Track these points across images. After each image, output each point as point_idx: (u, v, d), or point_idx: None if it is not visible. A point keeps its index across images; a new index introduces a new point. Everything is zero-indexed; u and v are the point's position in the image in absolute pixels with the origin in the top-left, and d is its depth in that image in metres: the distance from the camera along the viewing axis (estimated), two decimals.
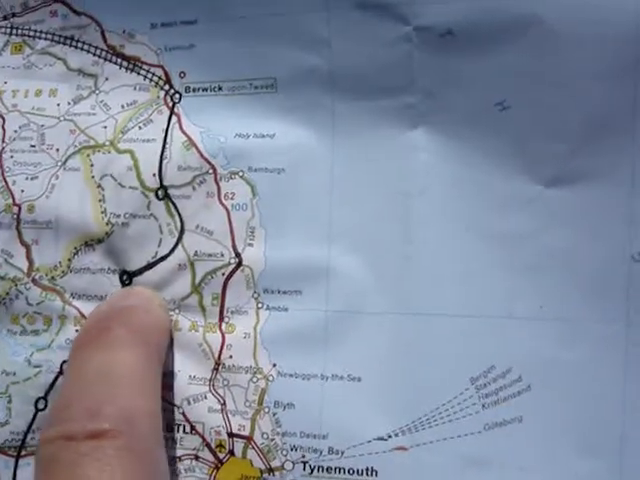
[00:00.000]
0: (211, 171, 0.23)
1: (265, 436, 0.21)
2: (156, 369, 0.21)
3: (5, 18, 0.25)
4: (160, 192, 0.23)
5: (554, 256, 0.21)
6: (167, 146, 0.23)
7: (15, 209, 0.24)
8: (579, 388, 0.21)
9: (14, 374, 0.23)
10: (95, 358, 0.20)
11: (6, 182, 0.24)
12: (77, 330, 0.23)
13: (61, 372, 0.23)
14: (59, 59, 0.25)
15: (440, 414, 0.21)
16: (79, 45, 0.25)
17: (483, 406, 0.21)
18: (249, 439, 0.21)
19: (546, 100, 0.21)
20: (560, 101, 0.21)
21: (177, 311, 0.23)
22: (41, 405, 0.23)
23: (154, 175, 0.23)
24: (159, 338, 0.22)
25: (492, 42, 0.21)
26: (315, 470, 0.21)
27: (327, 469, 0.21)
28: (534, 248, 0.21)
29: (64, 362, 0.23)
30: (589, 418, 0.21)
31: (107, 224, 0.23)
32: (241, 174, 0.22)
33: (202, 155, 0.23)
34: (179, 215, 0.23)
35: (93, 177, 0.23)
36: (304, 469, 0.21)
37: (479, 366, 0.21)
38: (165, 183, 0.23)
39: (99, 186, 0.23)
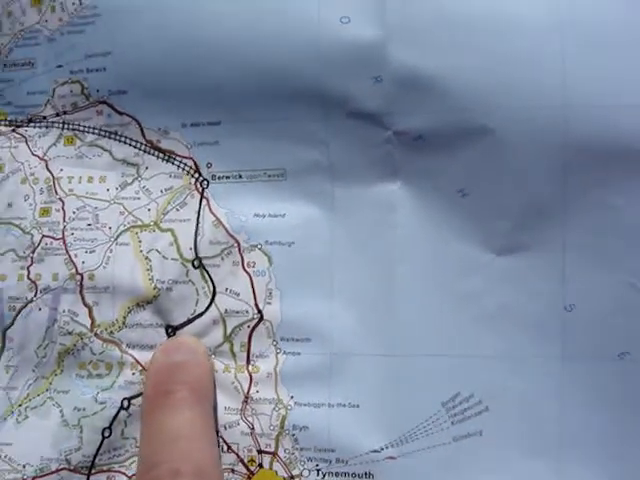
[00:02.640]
0: (235, 245, 0.30)
1: (287, 451, 0.29)
2: (212, 422, 0.29)
3: (57, 115, 0.32)
4: (196, 262, 0.30)
5: (504, 308, 0.29)
6: (200, 225, 0.30)
7: (78, 277, 0.31)
8: (525, 408, 0.29)
9: (84, 409, 0.31)
10: (166, 421, 0.27)
11: (69, 255, 0.31)
12: (133, 373, 0.31)
13: (122, 407, 0.30)
14: (105, 150, 0.32)
15: (419, 430, 0.29)
16: (122, 139, 0.31)
17: (452, 423, 0.29)
18: (274, 454, 0.29)
19: (495, 189, 0.29)
20: (506, 190, 0.28)
21: (213, 356, 0.29)
22: (107, 433, 0.30)
23: (190, 249, 0.30)
24: (210, 391, 0.29)
25: (454, 145, 0.29)
26: (327, 475, 0.29)
27: (335, 474, 0.29)
28: (488, 302, 0.29)
29: (124, 399, 0.30)
30: (533, 429, 0.28)
31: (154, 289, 0.30)
32: (259, 247, 0.30)
33: (228, 232, 0.30)
34: (211, 280, 0.30)
35: (141, 251, 0.30)
36: (317, 475, 0.29)
37: (448, 393, 0.29)
38: (199, 255, 0.30)
39: (146, 258, 0.30)
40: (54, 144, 0.32)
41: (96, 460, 0.30)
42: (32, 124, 0.33)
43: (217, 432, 0.29)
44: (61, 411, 0.31)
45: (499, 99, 0.28)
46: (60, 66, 0.32)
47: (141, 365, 0.30)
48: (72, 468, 0.30)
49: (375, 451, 0.29)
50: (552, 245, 0.28)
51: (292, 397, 0.29)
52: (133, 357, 0.30)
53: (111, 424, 0.30)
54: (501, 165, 0.28)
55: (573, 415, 0.28)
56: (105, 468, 0.30)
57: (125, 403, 0.30)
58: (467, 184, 0.29)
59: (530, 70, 0.28)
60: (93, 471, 0.30)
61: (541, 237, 0.28)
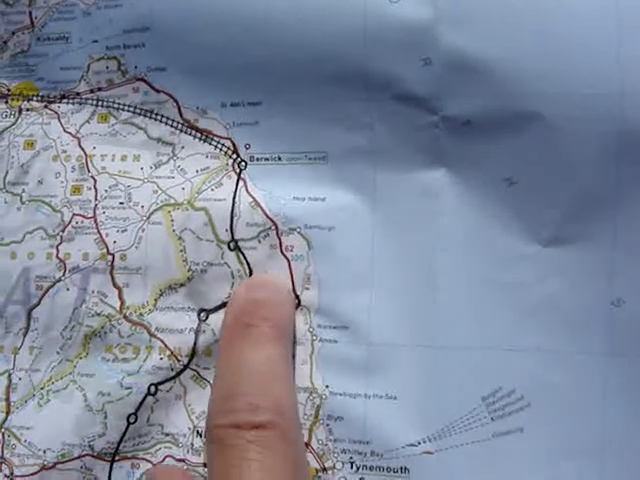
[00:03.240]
0: (273, 227, 0.29)
1: (320, 442, 0.28)
2: (291, 361, 0.28)
3: (92, 91, 0.31)
4: (232, 244, 0.29)
5: (548, 301, 0.28)
6: (236, 205, 0.30)
7: (109, 257, 0.30)
8: (568, 405, 0.28)
9: (109, 394, 0.30)
10: (247, 355, 0.27)
11: (100, 234, 0.30)
12: (161, 358, 0.30)
13: (149, 393, 0.30)
14: (140, 129, 0.31)
15: (458, 425, 0.28)
16: (158, 118, 0.31)
17: (492, 419, 0.28)
18: (307, 444, 0.28)
19: (544, 178, 0.28)
20: (556, 179, 0.28)
21: None
22: (132, 419, 0.30)
23: (226, 230, 0.29)
24: (291, 331, 0.29)
25: (502, 131, 0.28)
26: (360, 469, 0.28)
27: (370, 467, 0.28)
28: (533, 294, 0.28)
29: (151, 384, 0.30)
30: (576, 428, 0.28)
31: (188, 271, 0.29)
32: (299, 230, 0.29)
33: (266, 214, 0.29)
34: (247, 263, 0.30)
35: (174, 231, 0.30)
36: (351, 468, 0.28)
37: (489, 387, 0.28)
38: (235, 237, 0.29)
39: (180, 238, 0.29)
40: (87, 121, 0.32)
41: (120, 447, 0.30)
42: (65, 100, 0.32)
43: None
44: (85, 395, 0.30)
45: (551, 84, 0.27)
46: (96, 41, 0.32)
47: (169, 350, 0.30)
48: (95, 454, 0.30)
49: (412, 445, 0.28)
50: (601, 238, 0.28)
51: (327, 386, 0.29)
52: (162, 341, 0.30)
53: (137, 410, 0.30)
54: (551, 153, 0.28)
55: (617, 414, 0.27)
56: (130, 455, 0.30)
57: (152, 389, 0.29)
58: (514, 172, 0.28)
59: (584, 55, 0.27)
60: (117, 458, 0.30)
61: (590, 229, 0.28)
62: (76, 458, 0.29)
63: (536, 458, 0.28)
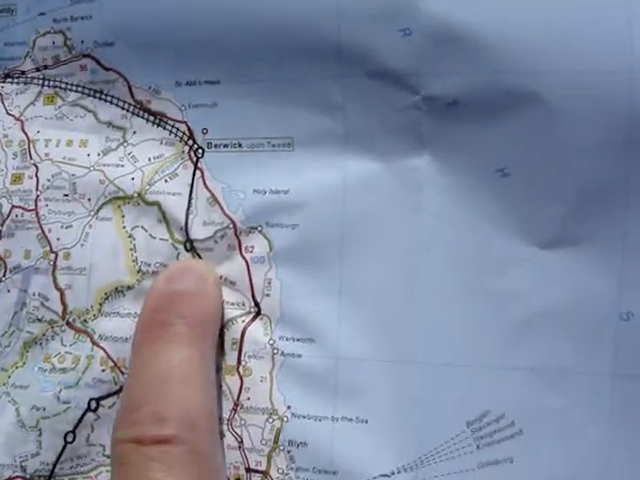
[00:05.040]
0: (231, 226, 0.26)
1: (280, 471, 0.25)
2: (212, 364, 0.25)
3: (38, 70, 0.28)
4: (187, 244, 0.26)
5: (546, 313, 0.24)
6: (193, 201, 0.26)
7: (52, 256, 0.27)
8: (567, 434, 0.24)
9: (44, 409, 0.27)
10: (157, 357, 0.24)
11: (43, 230, 0.27)
12: (103, 370, 0.26)
13: (89, 408, 0.26)
14: (89, 111, 0.28)
15: (439, 453, 0.24)
16: (108, 99, 0.27)
17: (477, 447, 0.24)
18: (265, 474, 0.25)
19: (543, 169, 0.24)
20: (556, 171, 0.24)
21: None
22: (69, 438, 0.26)
23: (181, 228, 0.26)
24: (214, 328, 0.25)
25: (494, 113, 0.24)
26: None
27: None
28: (528, 305, 0.24)
29: (92, 399, 0.26)
30: (575, 461, 0.24)
31: (138, 272, 0.26)
32: (260, 229, 0.25)
33: (224, 211, 0.26)
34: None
35: (124, 227, 0.26)
36: None
37: (475, 411, 0.24)
38: (191, 236, 0.25)
39: (130, 236, 0.26)
40: (32, 103, 0.29)
41: (56, 469, 0.26)
42: (9, 80, 0.29)
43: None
44: (17, 410, 0.27)
45: (550, 60, 0.23)
46: (43, 14, 0.28)
47: (113, 361, 0.26)
48: (28, 477, 0.26)
49: (385, 475, 0.24)
50: (609, 239, 0.24)
51: (289, 407, 0.25)
52: (104, 351, 0.26)
53: (75, 428, 0.26)
54: (550, 140, 0.23)
55: (624, 445, 0.23)
56: (67, 479, 0.26)
57: (93, 404, 0.26)
58: (509, 162, 0.24)
59: (590, 25, 0.23)
60: None
61: (596, 229, 0.24)
62: None
63: None
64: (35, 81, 0.28)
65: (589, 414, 0.24)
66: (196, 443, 0.22)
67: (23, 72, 0.29)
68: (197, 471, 0.22)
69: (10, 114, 0.29)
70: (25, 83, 0.29)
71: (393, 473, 0.24)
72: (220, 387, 0.25)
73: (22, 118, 0.28)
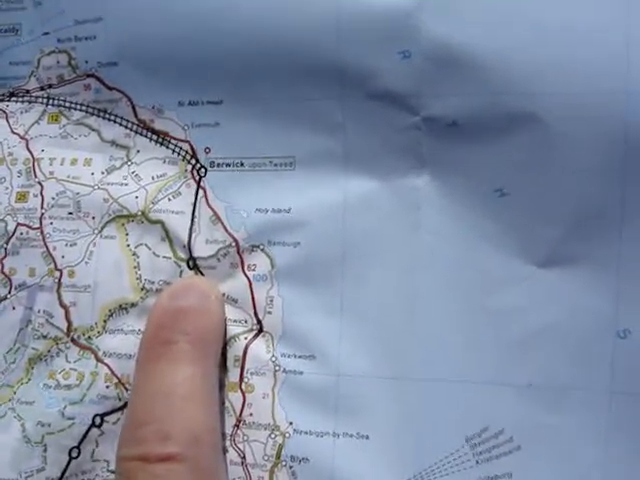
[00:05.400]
0: (234, 244, 0.26)
1: None
2: (215, 381, 0.25)
3: (42, 89, 0.28)
4: (190, 262, 0.26)
5: (544, 331, 0.24)
6: (196, 220, 0.26)
7: (57, 274, 0.27)
8: (564, 449, 0.24)
9: (49, 425, 0.27)
10: (161, 375, 0.24)
11: (47, 248, 0.27)
12: (107, 386, 0.27)
13: (93, 424, 0.26)
14: (93, 130, 0.28)
15: (438, 468, 0.24)
16: (111, 118, 0.28)
17: (477, 462, 0.24)
18: None
19: (541, 190, 0.24)
20: (554, 191, 0.24)
21: None
22: (74, 454, 0.27)
23: (184, 247, 0.26)
24: (216, 345, 0.25)
25: (493, 134, 0.24)
26: None
27: None
28: (526, 322, 0.24)
29: (96, 415, 0.27)
30: (572, 476, 0.24)
31: (142, 289, 0.26)
32: (262, 247, 0.26)
33: (227, 230, 0.26)
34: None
35: (128, 246, 0.27)
36: None
37: (474, 427, 0.25)
38: (194, 254, 0.26)
39: (134, 254, 0.26)
40: (37, 122, 0.29)
41: None
42: (14, 98, 0.29)
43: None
44: (23, 425, 0.27)
45: (548, 82, 0.23)
46: (47, 33, 0.29)
47: (117, 377, 0.26)
48: None
49: None
50: (605, 258, 0.24)
51: (291, 423, 0.25)
52: (109, 367, 0.27)
53: (80, 443, 0.26)
54: (547, 161, 0.24)
55: (619, 462, 0.23)
56: None
57: (97, 420, 0.26)
58: (507, 182, 0.24)
59: (587, 48, 0.23)
60: None
61: (592, 249, 0.24)
62: None
63: None
64: (40, 100, 0.29)
65: (586, 431, 0.24)
66: (200, 460, 0.23)
67: (27, 91, 0.29)
68: None
69: (15, 133, 0.29)
70: (29, 102, 0.29)
71: None
72: (223, 403, 0.26)
73: (27, 137, 0.29)
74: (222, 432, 0.25)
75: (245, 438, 0.25)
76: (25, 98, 0.29)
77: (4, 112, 0.29)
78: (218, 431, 0.25)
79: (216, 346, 0.25)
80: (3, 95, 0.29)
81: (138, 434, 0.23)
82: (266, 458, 0.25)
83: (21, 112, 0.29)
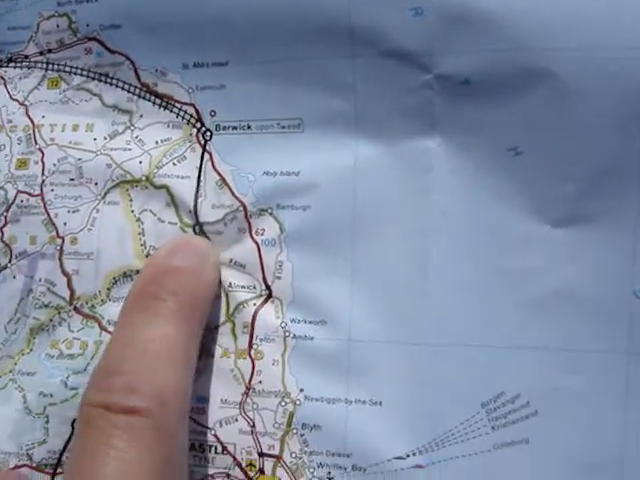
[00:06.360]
0: (241, 209, 0.25)
1: (294, 455, 0.24)
2: (195, 344, 0.24)
3: (41, 54, 0.28)
4: (197, 228, 0.25)
5: (559, 292, 0.24)
6: (201, 184, 0.25)
7: (59, 241, 0.27)
8: (583, 413, 0.24)
9: (51, 396, 0.26)
10: (140, 328, 0.23)
11: (48, 215, 0.26)
12: None
13: None
14: (95, 95, 0.27)
15: (453, 435, 0.24)
16: (114, 82, 0.27)
17: (493, 428, 0.24)
18: (278, 458, 0.24)
19: (556, 147, 0.24)
20: (569, 148, 0.23)
21: (211, 338, 0.24)
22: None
23: (190, 212, 0.25)
24: (204, 311, 0.25)
25: (506, 92, 0.24)
26: None
27: None
28: (541, 284, 0.24)
29: None
30: (591, 441, 0.24)
31: (146, 256, 0.26)
32: (270, 211, 0.25)
33: (234, 194, 0.25)
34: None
35: (132, 211, 0.26)
36: None
37: (489, 392, 0.24)
38: (200, 220, 0.25)
39: (138, 220, 0.26)
40: (36, 87, 0.28)
41: (63, 457, 0.26)
42: (12, 64, 0.28)
43: (206, 428, 0.25)
44: (24, 396, 0.26)
45: (564, 37, 0.23)
46: None
47: None
48: (34, 465, 0.26)
49: (399, 458, 0.24)
50: (622, 217, 0.23)
51: (302, 390, 0.25)
52: None
53: None
54: (563, 118, 0.23)
55: (639, 422, 0.23)
56: None
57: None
58: (521, 140, 0.24)
59: (604, 3, 0.22)
60: (59, 470, 0.26)
61: (610, 207, 0.23)
62: (12, 469, 0.26)
63: (543, 474, 0.24)
64: (39, 65, 0.28)
65: (604, 393, 0.23)
66: (163, 420, 0.22)
67: (26, 56, 0.28)
68: (159, 447, 0.22)
69: (14, 99, 0.28)
70: (28, 67, 0.28)
71: (408, 455, 0.24)
72: (231, 371, 0.25)
73: (26, 103, 0.28)
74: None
75: (255, 406, 0.25)
76: (24, 63, 0.28)
77: (2, 78, 0.28)
78: (188, 396, 0.24)
79: (203, 312, 0.25)
80: (1, 61, 0.28)
81: (106, 383, 0.22)
82: (276, 426, 0.24)
83: (20, 78, 0.28)
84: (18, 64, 0.28)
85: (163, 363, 0.23)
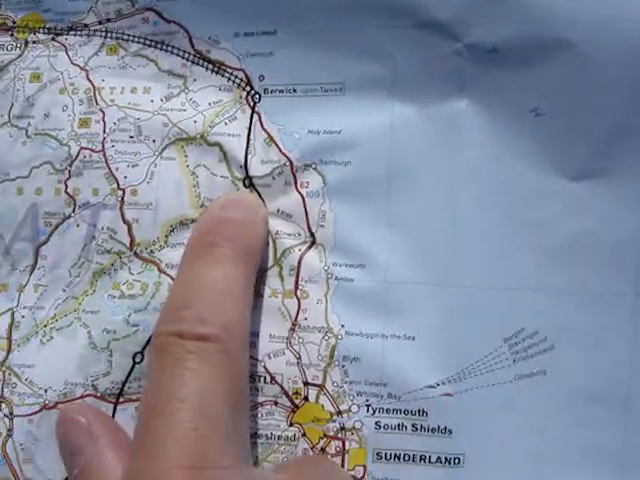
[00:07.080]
0: (288, 164, 0.27)
1: (335, 384, 0.27)
2: (251, 286, 0.26)
3: (100, 23, 0.30)
4: (246, 181, 0.27)
5: (576, 239, 0.27)
6: (251, 142, 0.28)
7: (119, 193, 0.29)
8: (594, 349, 0.26)
9: (114, 332, 0.28)
10: (204, 272, 0.25)
11: (110, 169, 0.29)
12: None
13: None
14: (151, 61, 0.29)
15: (479, 366, 0.26)
16: (169, 49, 0.29)
17: (514, 361, 0.26)
18: (321, 387, 0.27)
19: (575, 110, 0.26)
20: (586, 111, 0.26)
21: (260, 280, 0.27)
22: (138, 359, 0.28)
23: (241, 167, 0.28)
24: (257, 256, 0.27)
25: (530, 59, 0.26)
26: (377, 412, 0.26)
27: (387, 410, 0.27)
28: (558, 232, 0.27)
29: None
30: (601, 372, 0.26)
31: (201, 206, 0.28)
32: (314, 166, 0.27)
33: (281, 150, 0.28)
34: (262, 201, 0.28)
35: (188, 166, 0.28)
36: (367, 411, 0.27)
37: (511, 328, 0.27)
38: (250, 174, 0.27)
39: (193, 174, 0.28)
40: (96, 54, 0.30)
41: (125, 387, 0.28)
42: (73, 32, 0.30)
43: (257, 360, 0.27)
44: (89, 333, 0.28)
45: (583, 9, 0.25)
46: None
47: None
48: (99, 395, 0.28)
49: (430, 387, 0.26)
50: (634, 171, 0.26)
51: (343, 326, 0.27)
52: (171, 278, 0.28)
53: (143, 349, 0.28)
54: (582, 83, 0.26)
55: None
56: (134, 397, 0.28)
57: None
58: (542, 103, 0.26)
59: None
60: (121, 399, 0.28)
61: (622, 163, 0.26)
62: (78, 398, 0.28)
63: (559, 402, 0.26)
64: (98, 33, 0.30)
65: (614, 332, 0.26)
66: (230, 345, 0.24)
67: (86, 25, 0.30)
68: (227, 368, 0.23)
69: (75, 64, 0.30)
70: (88, 35, 0.30)
71: (438, 384, 0.26)
72: (279, 309, 0.27)
73: (87, 68, 0.30)
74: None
75: (300, 340, 0.27)
76: (84, 32, 0.30)
77: (63, 45, 0.30)
78: (248, 327, 0.26)
79: (256, 257, 0.27)
80: (62, 29, 0.30)
81: (177, 315, 0.24)
82: (320, 358, 0.27)
83: (80, 45, 0.30)
84: (78, 32, 0.30)
85: (228, 299, 0.25)
